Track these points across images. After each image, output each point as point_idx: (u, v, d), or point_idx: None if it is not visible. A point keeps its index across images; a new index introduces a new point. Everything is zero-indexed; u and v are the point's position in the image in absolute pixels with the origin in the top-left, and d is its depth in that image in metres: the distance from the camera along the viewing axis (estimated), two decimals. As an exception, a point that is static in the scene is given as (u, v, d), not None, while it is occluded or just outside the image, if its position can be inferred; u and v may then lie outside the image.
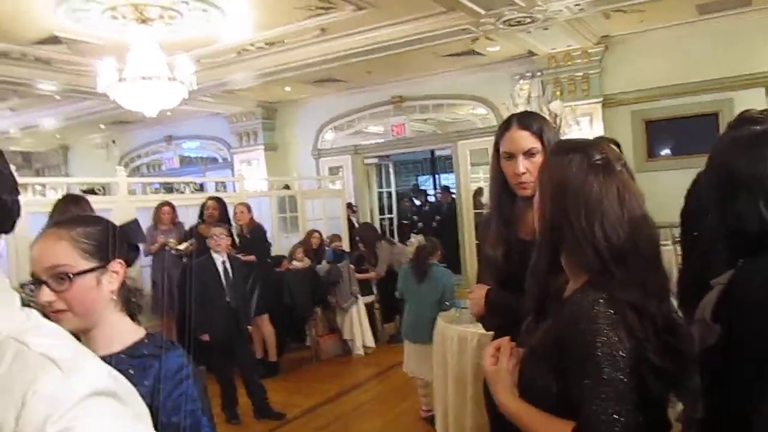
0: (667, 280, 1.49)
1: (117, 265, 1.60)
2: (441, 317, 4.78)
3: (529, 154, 2.23)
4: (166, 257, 7.43)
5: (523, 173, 2.23)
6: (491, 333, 2.40)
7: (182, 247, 7.31)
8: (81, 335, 1.54)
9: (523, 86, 7.48)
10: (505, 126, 2.32)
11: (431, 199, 15.06)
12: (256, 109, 12.49)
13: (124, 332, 1.60)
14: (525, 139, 2.24)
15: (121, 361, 1.52)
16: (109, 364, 1.42)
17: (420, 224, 12.16)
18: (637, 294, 1.39)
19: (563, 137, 7.93)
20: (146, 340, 1.60)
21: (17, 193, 0.89)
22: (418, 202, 14.61)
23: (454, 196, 12.24)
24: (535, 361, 1.49)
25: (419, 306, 5.25)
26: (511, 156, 2.25)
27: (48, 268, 1.51)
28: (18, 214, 0.87)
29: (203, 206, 7.27)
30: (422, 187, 16.24)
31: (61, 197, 4.10)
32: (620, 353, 1.33)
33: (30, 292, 1.49)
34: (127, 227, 1.63)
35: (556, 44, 9.07)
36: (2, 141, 14.26)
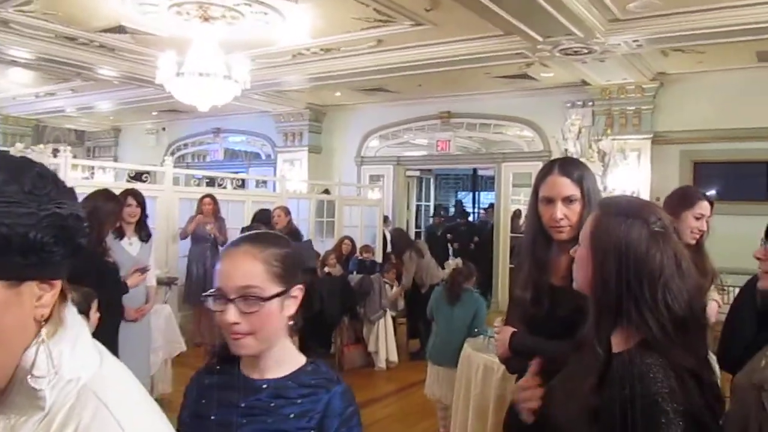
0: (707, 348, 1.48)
1: (297, 290, 1.54)
2: (468, 343, 4.74)
3: (567, 200, 2.21)
4: (201, 249, 7.53)
5: (561, 219, 2.21)
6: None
7: (208, 228, 7.40)
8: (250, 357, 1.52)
9: (574, 122, 7.39)
10: (547, 170, 2.29)
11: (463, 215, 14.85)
12: (305, 110, 12.60)
13: (291, 357, 1.56)
14: (565, 186, 2.21)
15: (287, 387, 1.49)
16: (275, 389, 1.45)
17: (455, 245, 11.78)
18: (694, 361, 1.40)
19: (609, 174, 7.82)
20: (309, 368, 1.55)
21: (87, 235, 0.91)
22: (438, 213, 14.35)
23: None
24: (569, 404, 1.48)
25: (448, 329, 5.22)
26: (550, 201, 2.23)
27: (240, 288, 1.46)
28: (47, 251, 0.87)
29: (263, 213, 7.34)
30: (465, 206, 16.10)
31: (101, 192, 4.16)
32: (678, 420, 1.33)
33: None
34: (301, 249, 1.62)
35: (610, 76, 8.96)
36: (60, 118, 14.70)
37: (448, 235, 12.03)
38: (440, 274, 7.70)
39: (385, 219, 11.16)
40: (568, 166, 2.28)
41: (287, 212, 7.67)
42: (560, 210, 2.19)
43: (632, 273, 1.45)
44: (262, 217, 7.38)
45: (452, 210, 14.79)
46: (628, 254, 1.46)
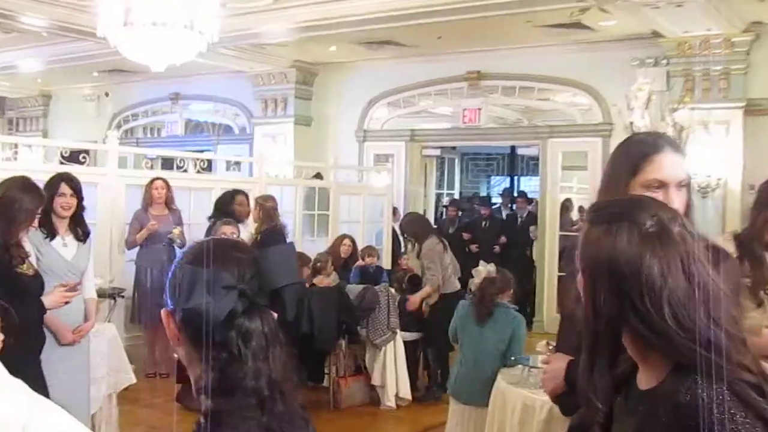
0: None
1: None
2: (503, 375, 4.75)
3: (680, 186, 2.23)
4: (155, 251, 7.59)
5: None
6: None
7: (176, 232, 7.51)
8: None
9: (642, 86, 7.34)
10: (652, 146, 2.29)
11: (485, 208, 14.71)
12: (290, 70, 12.64)
13: None
14: (680, 167, 2.24)
15: None
16: None
17: (474, 247, 11.62)
18: (742, 373, 1.45)
19: (687, 155, 7.82)
20: None
21: None
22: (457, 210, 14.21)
23: (531, 209, 12.18)
24: None
25: (476, 357, 5.24)
26: (661, 185, 2.23)
27: None
28: None
29: (231, 198, 7.40)
30: (487, 193, 16.09)
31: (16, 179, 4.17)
32: None
33: None
34: (267, 262, 1.68)
35: (690, 26, 8.93)
36: (-29, 81, 14.75)
37: (465, 234, 11.95)
38: (455, 283, 7.73)
39: (395, 211, 11.18)
40: (675, 142, 2.31)
41: (269, 201, 7.70)
42: (676, 198, 2.19)
43: (630, 288, 1.49)
44: (224, 201, 7.47)
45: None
46: (617, 265, 1.51)
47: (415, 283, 7.96)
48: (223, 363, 1.49)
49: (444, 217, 13.78)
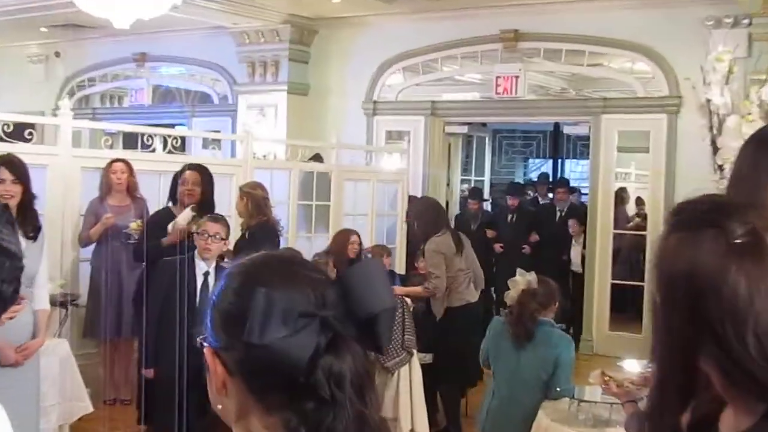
0: None
1: None
2: (545, 410, 4.78)
3: None
4: (113, 251, 7.62)
5: None
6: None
7: (133, 226, 7.51)
8: None
9: (722, 55, 7.26)
10: None
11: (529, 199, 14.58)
12: (283, 26, 12.63)
13: None
14: None
15: None
16: None
17: (498, 247, 11.61)
18: None
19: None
20: None
21: (17, 283, 1.04)
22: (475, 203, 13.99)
23: (574, 200, 12.14)
24: None
25: (513, 386, 5.25)
26: None
27: None
28: (12, 302, 0.98)
29: (177, 177, 7.39)
30: (525, 180, 16.02)
31: None
32: None
33: None
34: None
35: (780, -23, 8.86)
36: None
37: (488, 231, 11.89)
38: (469, 293, 7.74)
39: (410, 200, 11.15)
40: None
41: (257, 189, 7.65)
42: None
43: (708, 309, 1.46)
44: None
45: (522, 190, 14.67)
46: (697, 282, 1.48)
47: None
48: (312, 415, 1.42)
49: (463, 210, 13.66)
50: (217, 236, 5.86)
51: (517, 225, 11.93)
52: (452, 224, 11.50)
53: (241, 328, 1.39)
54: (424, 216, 8.23)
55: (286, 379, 1.40)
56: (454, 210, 13.40)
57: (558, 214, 12.11)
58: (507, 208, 12.46)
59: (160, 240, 6.88)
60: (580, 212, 11.78)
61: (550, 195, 12.73)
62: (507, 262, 10.96)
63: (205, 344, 1.49)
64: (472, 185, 15.29)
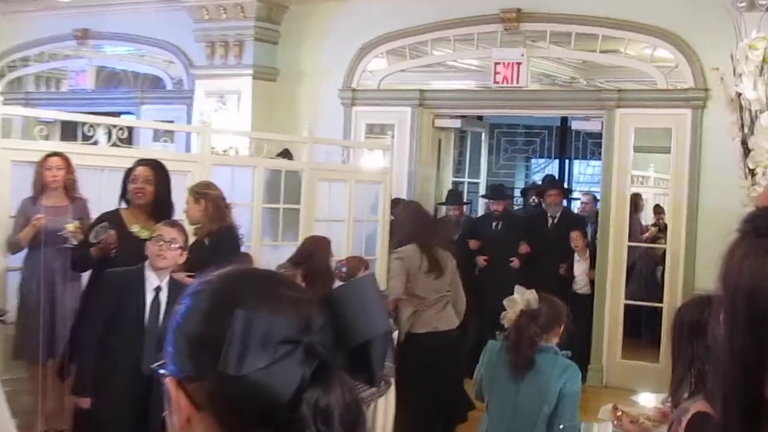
0: None
1: None
2: (547, 450, 4.74)
3: None
4: (47, 257, 7.56)
5: None
6: None
7: (70, 227, 7.44)
8: None
9: (755, 44, 7.25)
10: None
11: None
12: (249, 1, 12.61)
13: None
14: None
15: None
16: None
17: (482, 260, 11.46)
18: None
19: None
20: None
21: None
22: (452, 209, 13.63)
23: (587, 205, 12.12)
24: None
25: (510, 422, 5.24)
26: None
27: None
28: None
29: (129, 175, 7.35)
30: (527, 182, 15.97)
31: None
32: None
33: None
34: None
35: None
36: None
37: (471, 242, 11.76)
38: (441, 319, 7.74)
39: (395, 203, 11.12)
40: None
41: (212, 188, 7.61)
42: None
43: None
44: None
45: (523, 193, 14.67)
46: (763, 295, 1.50)
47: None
48: None
49: (444, 217, 12.93)
50: (174, 243, 5.83)
51: (504, 233, 11.77)
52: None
53: (213, 355, 1.34)
54: (402, 225, 8.24)
55: (265, 415, 1.36)
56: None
57: (549, 221, 11.91)
58: (491, 215, 12.38)
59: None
60: (575, 220, 11.77)
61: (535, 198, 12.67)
62: (491, 278, 10.99)
63: (165, 373, 1.46)
64: (472, 189, 15.26)
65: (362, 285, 1.54)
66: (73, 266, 7.34)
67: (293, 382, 1.35)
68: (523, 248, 11.56)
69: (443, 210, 12.59)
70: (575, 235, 11.32)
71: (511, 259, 11.40)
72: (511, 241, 11.64)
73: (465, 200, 13.66)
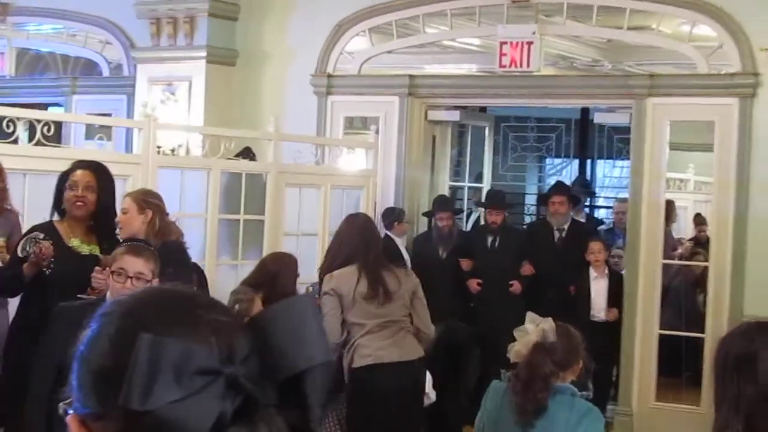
0: None
1: None
2: None
3: None
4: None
5: None
6: None
7: None
8: None
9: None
10: None
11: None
12: (200, -29, 12.62)
13: None
14: None
15: None
16: None
17: (475, 284, 11.32)
18: None
19: None
20: None
21: None
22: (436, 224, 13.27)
23: (609, 218, 12.09)
24: None
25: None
26: None
27: None
28: None
29: (65, 180, 7.30)
30: (541, 187, 16.00)
31: None
32: None
33: None
34: None
35: None
36: None
37: (463, 262, 11.69)
38: (390, 350, 7.70)
39: (392, 214, 11.12)
40: None
41: (150, 196, 7.57)
42: None
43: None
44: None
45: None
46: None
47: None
48: None
49: (427, 232, 12.62)
50: (142, 278, 5.66)
51: (501, 251, 11.69)
52: (410, 252, 11.49)
53: (118, 388, 1.33)
54: (342, 242, 8.24)
55: None
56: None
57: (556, 234, 11.85)
58: (486, 228, 12.22)
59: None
60: (587, 234, 11.78)
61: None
62: (487, 306, 11.05)
63: (69, 411, 1.45)
64: (473, 192, 15.19)
65: (296, 306, 1.54)
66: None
67: (210, 418, 1.34)
68: (526, 269, 11.48)
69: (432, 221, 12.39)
70: (596, 246, 11.22)
71: (510, 282, 11.29)
72: (509, 261, 11.56)
73: (459, 207, 13.49)
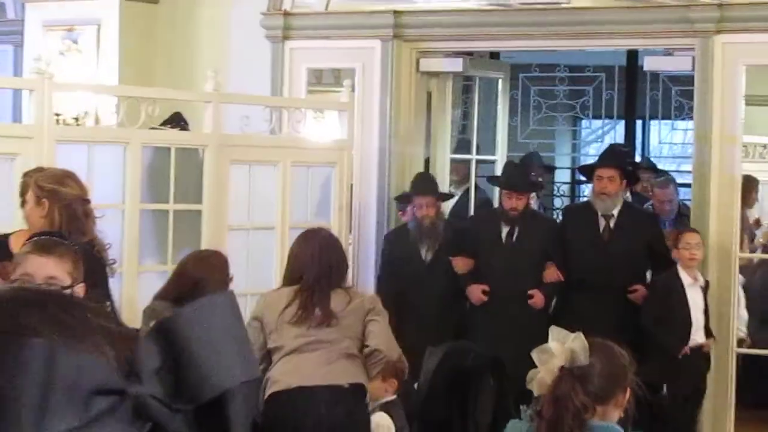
0: None
1: None
2: None
3: None
4: None
5: None
6: None
7: None
8: None
9: None
10: None
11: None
12: None
13: None
14: None
15: None
16: None
17: (479, 292, 11.30)
18: None
19: None
20: None
21: None
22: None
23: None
24: None
25: None
26: None
27: None
28: None
29: None
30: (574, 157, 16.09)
31: None
32: None
33: None
34: None
35: None
36: None
37: (457, 260, 11.69)
38: (302, 373, 7.96)
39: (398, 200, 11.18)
40: None
41: (66, 183, 7.61)
42: None
43: None
44: None
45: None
46: None
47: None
48: None
49: (408, 222, 12.36)
50: (55, 284, 5.59)
51: (521, 247, 11.61)
52: (382, 249, 11.53)
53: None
54: (295, 260, 8.56)
55: None
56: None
57: (602, 223, 11.54)
58: (500, 214, 11.99)
59: None
60: (647, 219, 11.81)
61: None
62: (498, 322, 11.04)
63: None
64: (487, 167, 15.10)
65: (215, 308, 1.55)
66: None
67: None
68: (550, 274, 11.34)
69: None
70: (694, 239, 10.80)
71: (529, 293, 11.18)
72: (536, 261, 11.50)
73: (442, 192, 12.81)
